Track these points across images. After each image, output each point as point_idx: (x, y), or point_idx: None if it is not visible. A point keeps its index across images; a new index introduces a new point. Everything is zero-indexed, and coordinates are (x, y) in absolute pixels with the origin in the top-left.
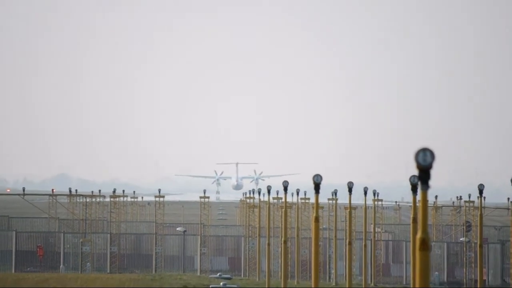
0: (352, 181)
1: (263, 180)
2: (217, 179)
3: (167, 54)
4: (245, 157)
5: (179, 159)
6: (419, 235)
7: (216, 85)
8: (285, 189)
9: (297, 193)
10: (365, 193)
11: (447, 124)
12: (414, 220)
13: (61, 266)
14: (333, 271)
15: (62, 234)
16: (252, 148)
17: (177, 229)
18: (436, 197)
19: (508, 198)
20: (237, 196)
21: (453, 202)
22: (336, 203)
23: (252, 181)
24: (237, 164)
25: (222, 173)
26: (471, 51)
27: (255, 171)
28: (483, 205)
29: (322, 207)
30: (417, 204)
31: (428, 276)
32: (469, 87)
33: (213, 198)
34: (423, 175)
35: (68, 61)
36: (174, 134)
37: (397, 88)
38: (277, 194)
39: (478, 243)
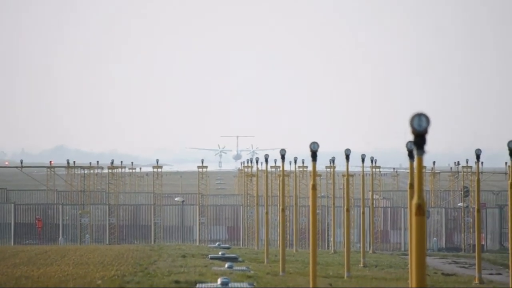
0: (350, 148)
1: (257, 154)
2: (220, 152)
3: (171, 29)
4: (245, 131)
5: (178, 131)
6: (414, 200)
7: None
8: (283, 157)
9: (295, 162)
10: (363, 160)
11: (444, 90)
12: (411, 186)
13: (60, 238)
14: (331, 238)
15: (60, 206)
16: (251, 122)
17: (176, 199)
18: (434, 163)
19: (506, 163)
20: (237, 166)
21: (451, 168)
22: (333, 170)
23: (249, 153)
24: (237, 137)
25: (224, 147)
26: (470, 13)
27: (252, 145)
28: (480, 170)
29: (320, 175)
30: (414, 170)
31: (424, 241)
32: (467, 50)
33: (215, 168)
34: (419, 140)
35: (65, 31)
36: (173, 105)
37: (394, 53)
38: (275, 163)
39: (476, 208)
